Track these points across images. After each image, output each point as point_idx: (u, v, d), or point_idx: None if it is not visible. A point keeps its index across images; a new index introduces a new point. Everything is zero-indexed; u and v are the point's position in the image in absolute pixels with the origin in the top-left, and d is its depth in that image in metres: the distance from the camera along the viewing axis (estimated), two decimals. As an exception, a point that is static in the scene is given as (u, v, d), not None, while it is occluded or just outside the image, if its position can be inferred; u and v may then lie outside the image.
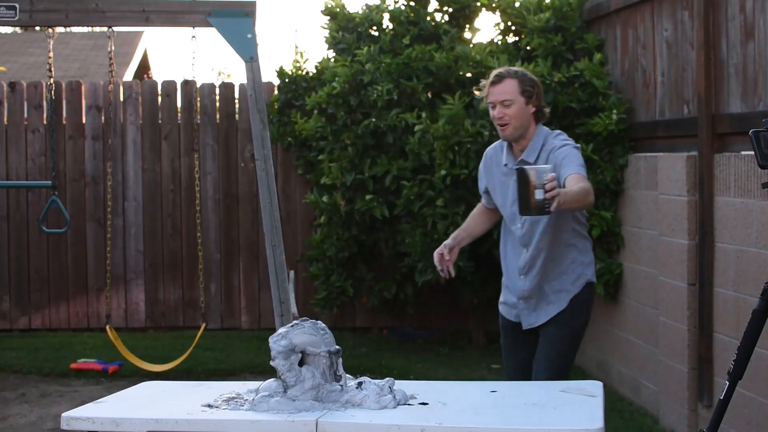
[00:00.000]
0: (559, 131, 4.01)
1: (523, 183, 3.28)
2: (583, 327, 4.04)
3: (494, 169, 4.09)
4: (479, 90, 4.03)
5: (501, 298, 4.25)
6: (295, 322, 3.05)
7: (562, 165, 3.75)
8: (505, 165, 3.98)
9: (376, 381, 3.05)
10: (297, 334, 2.98)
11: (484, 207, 4.27)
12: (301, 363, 2.98)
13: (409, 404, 2.98)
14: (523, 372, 4.10)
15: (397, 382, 3.07)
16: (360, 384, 3.01)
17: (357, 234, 7.16)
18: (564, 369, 3.96)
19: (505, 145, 4.01)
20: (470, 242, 4.33)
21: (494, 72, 3.95)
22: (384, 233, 7.11)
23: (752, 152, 3.12)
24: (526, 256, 3.98)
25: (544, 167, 3.34)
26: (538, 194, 3.27)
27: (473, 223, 4.28)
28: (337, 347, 3.01)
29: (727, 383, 2.90)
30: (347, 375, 3.07)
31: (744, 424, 4.56)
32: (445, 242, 4.09)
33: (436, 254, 4.03)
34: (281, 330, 3.00)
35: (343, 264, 7.29)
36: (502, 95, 3.87)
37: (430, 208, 6.63)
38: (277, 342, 2.96)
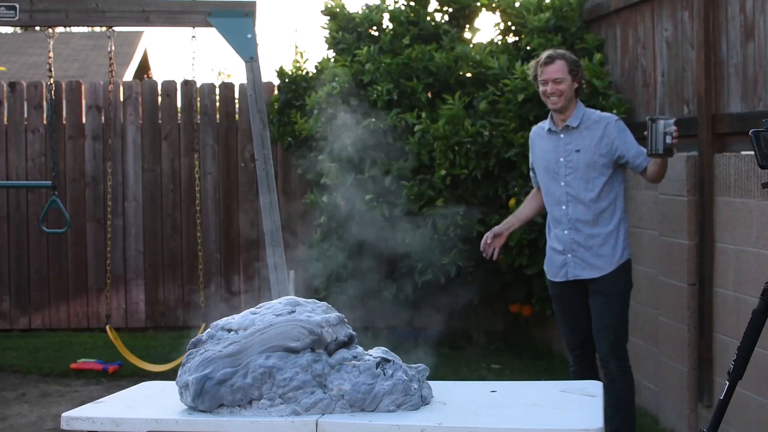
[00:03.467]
0: (596, 110, 4.84)
1: (654, 130, 4.04)
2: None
3: (537, 143, 4.81)
4: (528, 69, 4.84)
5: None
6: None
7: (625, 142, 4.58)
8: (549, 130, 4.70)
9: (407, 368, 3.03)
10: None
11: (536, 191, 4.93)
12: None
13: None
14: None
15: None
16: (384, 368, 2.98)
17: (357, 234, 7.15)
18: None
19: (548, 118, 4.74)
20: (519, 226, 5.13)
21: (545, 54, 4.63)
22: (384, 233, 7.10)
23: (752, 152, 3.12)
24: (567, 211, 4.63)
25: (668, 119, 4.05)
26: (668, 139, 4.05)
27: (523, 209, 4.98)
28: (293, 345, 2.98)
29: (727, 383, 2.89)
30: (368, 356, 3.06)
31: (744, 424, 4.56)
32: (495, 228, 4.83)
33: (483, 237, 4.81)
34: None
35: (343, 264, 7.28)
36: (554, 73, 4.57)
37: (430, 208, 6.63)
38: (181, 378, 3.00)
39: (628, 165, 4.61)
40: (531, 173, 4.96)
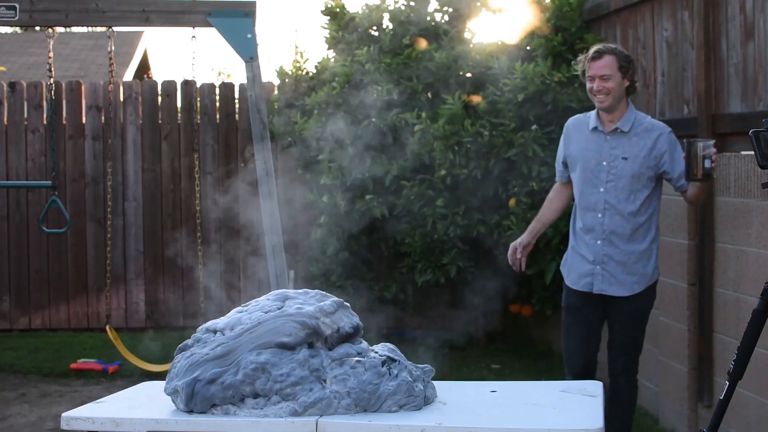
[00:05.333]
0: (646, 114, 4.49)
1: (693, 153, 3.88)
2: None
3: (575, 136, 4.43)
4: (576, 64, 4.44)
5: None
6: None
7: (674, 159, 4.25)
8: (594, 128, 4.34)
9: (412, 369, 3.00)
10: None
11: (560, 186, 4.60)
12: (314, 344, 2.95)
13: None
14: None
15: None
16: (389, 368, 2.95)
17: (357, 234, 7.15)
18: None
19: (593, 113, 4.38)
20: (544, 230, 4.78)
21: (593, 48, 4.30)
22: (384, 233, 7.11)
23: (752, 152, 3.12)
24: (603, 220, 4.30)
25: (706, 141, 3.91)
26: (707, 163, 3.87)
27: (546, 211, 4.64)
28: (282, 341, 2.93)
29: (727, 383, 2.90)
30: (375, 353, 3.04)
31: (744, 424, 4.56)
32: (521, 239, 4.50)
33: (510, 248, 4.48)
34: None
35: (342, 264, 7.29)
36: (601, 70, 4.23)
37: (430, 208, 6.63)
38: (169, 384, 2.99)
39: (670, 182, 4.33)
40: (558, 166, 4.59)
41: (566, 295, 4.47)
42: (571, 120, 4.51)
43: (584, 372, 4.41)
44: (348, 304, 3.14)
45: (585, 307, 4.39)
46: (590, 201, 4.33)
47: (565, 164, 4.51)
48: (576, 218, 4.45)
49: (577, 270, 4.40)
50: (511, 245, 4.47)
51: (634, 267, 4.27)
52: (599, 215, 4.30)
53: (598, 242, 4.30)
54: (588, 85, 4.29)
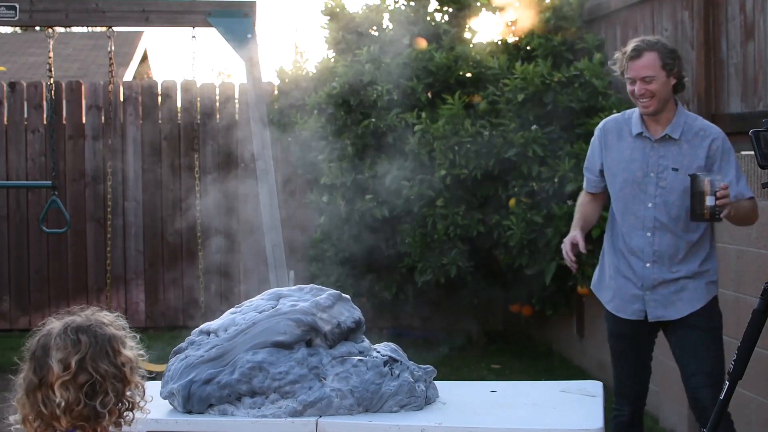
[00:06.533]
0: (697, 115, 3.90)
1: (697, 188, 3.44)
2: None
3: (615, 143, 3.80)
4: (614, 63, 3.77)
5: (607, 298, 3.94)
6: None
7: (723, 169, 3.64)
8: (640, 134, 3.73)
9: (414, 369, 2.99)
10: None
11: (590, 196, 4.00)
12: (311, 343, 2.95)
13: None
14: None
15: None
16: (391, 368, 2.94)
17: (357, 234, 7.15)
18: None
19: (635, 115, 3.77)
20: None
21: (632, 45, 3.68)
22: (384, 233, 7.11)
23: (752, 152, 3.12)
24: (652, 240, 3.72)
25: (716, 176, 3.48)
26: (710, 200, 3.42)
27: (587, 214, 4.01)
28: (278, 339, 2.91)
29: (727, 383, 2.89)
30: (377, 352, 3.03)
31: (744, 424, 4.55)
32: (574, 233, 3.88)
33: (568, 243, 3.84)
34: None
35: (342, 264, 7.29)
36: (642, 71, 3.63)
37: (430, 208, 6.63)
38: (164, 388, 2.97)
39: None
40: (590, 174, 3.95)
41: (611, 322, 3.90)
42: (608, 123, 3.87)
43: (639, 401, 3.92)
44: (348, 297, 3.09)
45: (636, 335, 3.83)
46: (638, 218, 3.75)
47: (601, 172, 3.88)
48: (616, 236, 3.88)
49: (622, 296, 3.82)
50: (568, 241, 3.84)
51: (689, 284, 3.71)
52: (648, 234, 3.73)
53: (647, 265, 3.72)
54: (629, 87, 3.70)
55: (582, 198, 4.06)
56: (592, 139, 3.91)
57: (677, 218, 3.67)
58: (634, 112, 3.78)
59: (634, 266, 3.75)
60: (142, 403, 2.12)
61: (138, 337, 2.20)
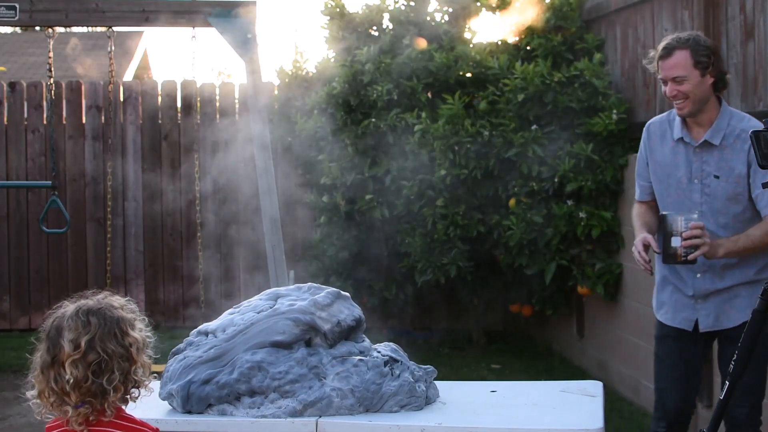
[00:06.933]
0: (744, 113, 3.53)
1: (665, 228, 3.23)
2: None
3: (659, 146, 3.56)
4: (649, 62, 3.53)
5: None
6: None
7: (754, 175, 3.33)
8: (679, 139, 3.48)
9: (414, 369, 2.98)
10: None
11: (645, 205, 3.67)
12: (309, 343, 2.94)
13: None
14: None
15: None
16: (392, 368, 2.93)
17: (357, 234, 7.15)
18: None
19: (677, 119, 3.51)
20: None
21: (662, 44, 3.45)
22: (384, 233, 7.11)
23: (752, 152, 3.11)
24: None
25: (691, 215, 3.25)
26: (675, 241, 3.18)
27: (648, 219, 3.61)
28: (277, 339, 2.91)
29: (727, 383, 2.89)
30: (378, 352, 3.02)
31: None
32: (643, 234, 3.48)
33: (640, 244, 3.44)
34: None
35: (342, 264, 7.29)
36: (673, 71, 3.39)
37: (430, 208, 6.63)
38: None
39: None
40: (642, 181, 3.68)
41: (659, 327, 3.63)
42: (652, 124, 3.62)
43: (680, 418, 3.50)
44: (347, 294, 3.07)
45: (684, 341, 3.52)
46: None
47: (655, 181, 3.61)
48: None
49: (672, 304, 3.56)
50: (639, 242, 3.44)
51: (743, 292, 3.44)
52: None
53: (698, 275, 3.46)
54: (663, 88, 3.47)
55: (637, 209, 3.71)
56: (640, 143, 3.66)
57: (726, 226, 3.40)
58: (677, 115, 3.52)
59: (684, 276, 3.50)
60: (147, 382, 2.26)
61: (147, 320, 2.33)
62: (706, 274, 3.45)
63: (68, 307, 2.27)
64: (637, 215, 3.68)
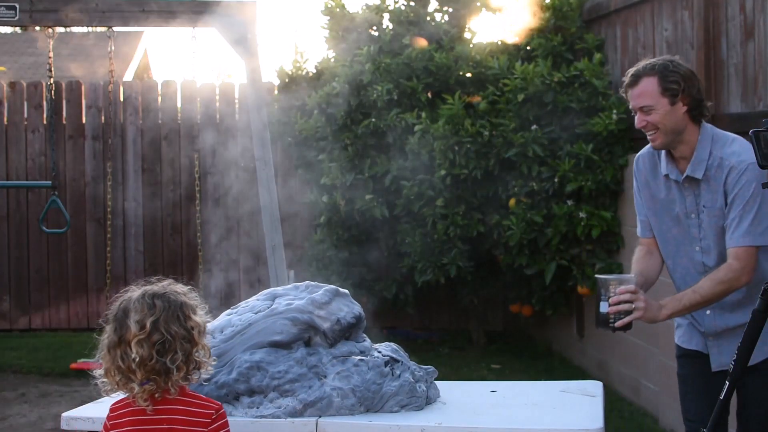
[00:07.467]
0: (735, 136, 3.16)
1: (597, 291, 3.00)
2: None
3: (650, 179, 3.27)
4: (623, 91, 3.18)
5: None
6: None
7: (729, 217, 3.04)
8: (666, 176, 3.19)
9: (414, 369, 2.98)
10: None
11: (646, 247, 3.36)
12: (309, 343, 2.93)
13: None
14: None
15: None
16: (392, 368, 2.93)
17: (357, 234, 7.15)
18: None
19: (663, 152, 3.21)
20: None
21: (630, 71, 3.15)
22: (384, 233, 7.11)
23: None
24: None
25: (628, 276, 3.05)
26: (603, 306, 2.97)
27: (645, 267, 3.31)
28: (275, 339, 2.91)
29: (727, 383, 2.88)
30: (379, 352, 3.01)
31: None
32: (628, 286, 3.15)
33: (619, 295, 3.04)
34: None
35: (342, 264, 7.29)
36: (639, 100, 3.10)
37: (430, 208, 6.63)
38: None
39: None
40: (640, 217, 3.37)
41: (677, 347, 3.45)
42: (641, 157, 3.31)
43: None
44: (346, 292, 3.05)
45: (702, 357, 3.28)
46: (691, 262, 3.22)
47: (651, 217, 3.34)
48: (672, 281, 3.35)
49: (688, 333, 3.35)
50: (626, 288, 3.03)
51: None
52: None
53: (707, 312, 3.20)
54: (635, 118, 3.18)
55: (637, 253, 3.40)
56: (633, 176, 3.39)
57: (722, 263, 3.09)
58: (665, 153, 3.22)
59: (695, 313, 3.23)
60: (207, 364, 2.40)
61: (207, 307, 2.48)
62: (716, 310, 3.18)
63: (134, 292, 2.40)
64: (634, 261, 3.39)
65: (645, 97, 3.08)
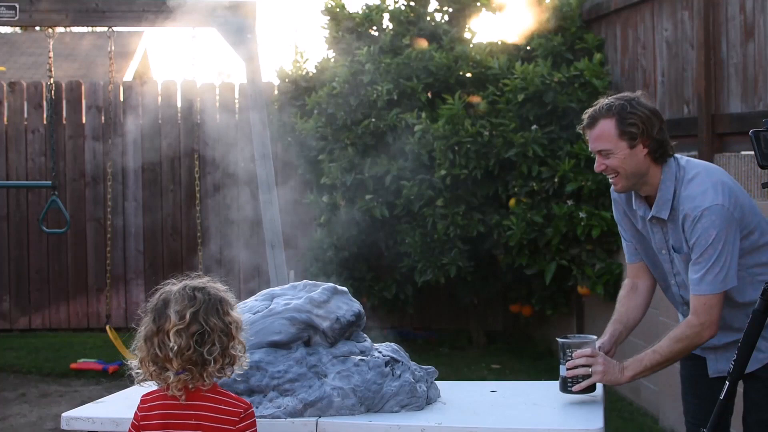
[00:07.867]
0: (696, 171, 2.95)
1: (561, 355, 2.94)
2: None
3: (628, 209, 3.13)
4: (583, 134, 3.04)
5: None
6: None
7: (691, 264, 2.90)
8: (636, 210, 3.09)
9: (415, 369, 2.97)
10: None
11: (631, 280, 3.23)
12: (308, 343, 2.92)
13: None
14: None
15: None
16: (393, 368, 2.92)
17: (357, 234, 7.15)
18: None
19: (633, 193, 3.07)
20: (628, 334, 3.27)
21: (588, 111, 2.99)
22: (384, 233, 7.11)
23: (752, 152, 3.11)
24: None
25: (589, 338, 2.99)
26: (561, 370, 2.91)
27: (624, 309, 3.23)
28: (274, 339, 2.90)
29: (727, 383, 2.88)
30: (380, 352, 3.01)
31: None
32: (601, 342, 3.12)
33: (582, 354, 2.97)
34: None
35: (342, 264, 7.29)
36: (597, 143, 2.94)
37: (429, 208, 6.63)
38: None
39: None
40: (625, 242, 3.21)
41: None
42: (614, 193, 3.15)
43: None
44: (345, 289, 3.04)
45: (702, 358, 3.17)
46: (670, 295, 3.19)
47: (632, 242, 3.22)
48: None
49: None
50: (582, 352, 2.97)
51: (761, 347, 2.96)
52: (681, 315, 3.19)
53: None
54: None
55: (622, 289, 3.26)
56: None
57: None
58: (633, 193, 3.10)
59: None
60: (243, 359, 2.44)
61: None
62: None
63: (174, 285, 2.45)
64: (618, 299, 3.27)
65: (603, 140, 2.92)
